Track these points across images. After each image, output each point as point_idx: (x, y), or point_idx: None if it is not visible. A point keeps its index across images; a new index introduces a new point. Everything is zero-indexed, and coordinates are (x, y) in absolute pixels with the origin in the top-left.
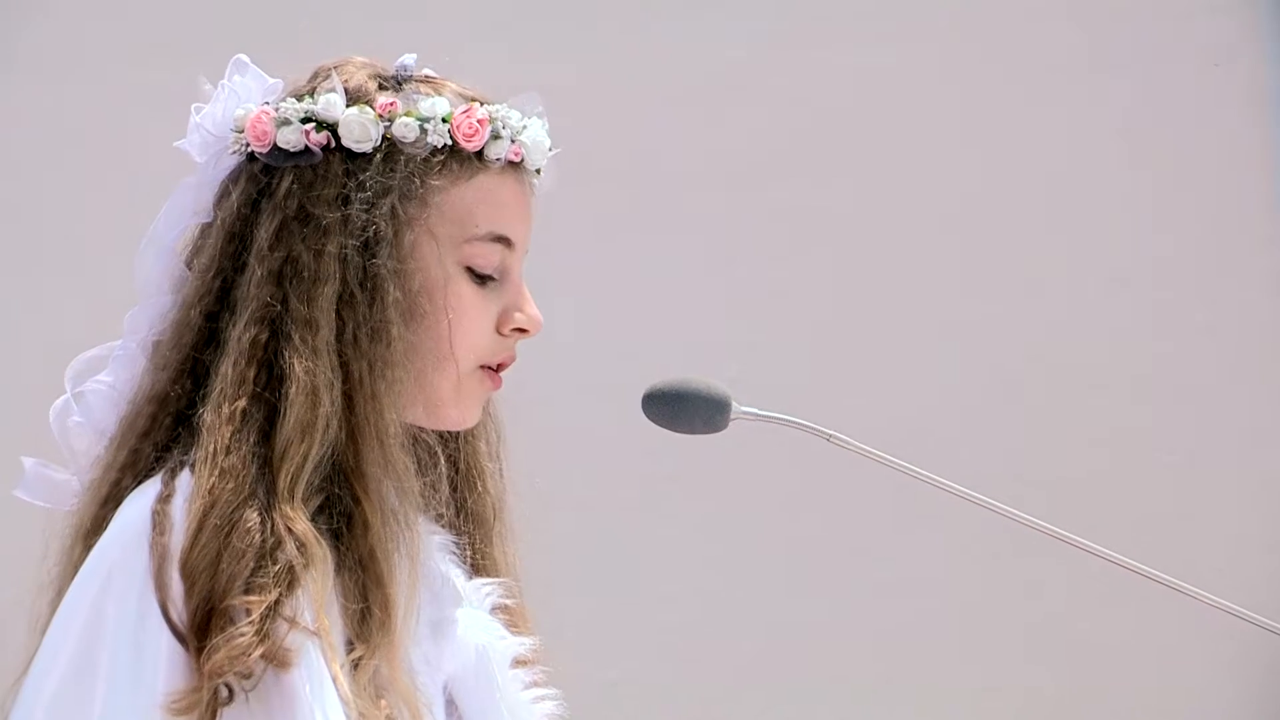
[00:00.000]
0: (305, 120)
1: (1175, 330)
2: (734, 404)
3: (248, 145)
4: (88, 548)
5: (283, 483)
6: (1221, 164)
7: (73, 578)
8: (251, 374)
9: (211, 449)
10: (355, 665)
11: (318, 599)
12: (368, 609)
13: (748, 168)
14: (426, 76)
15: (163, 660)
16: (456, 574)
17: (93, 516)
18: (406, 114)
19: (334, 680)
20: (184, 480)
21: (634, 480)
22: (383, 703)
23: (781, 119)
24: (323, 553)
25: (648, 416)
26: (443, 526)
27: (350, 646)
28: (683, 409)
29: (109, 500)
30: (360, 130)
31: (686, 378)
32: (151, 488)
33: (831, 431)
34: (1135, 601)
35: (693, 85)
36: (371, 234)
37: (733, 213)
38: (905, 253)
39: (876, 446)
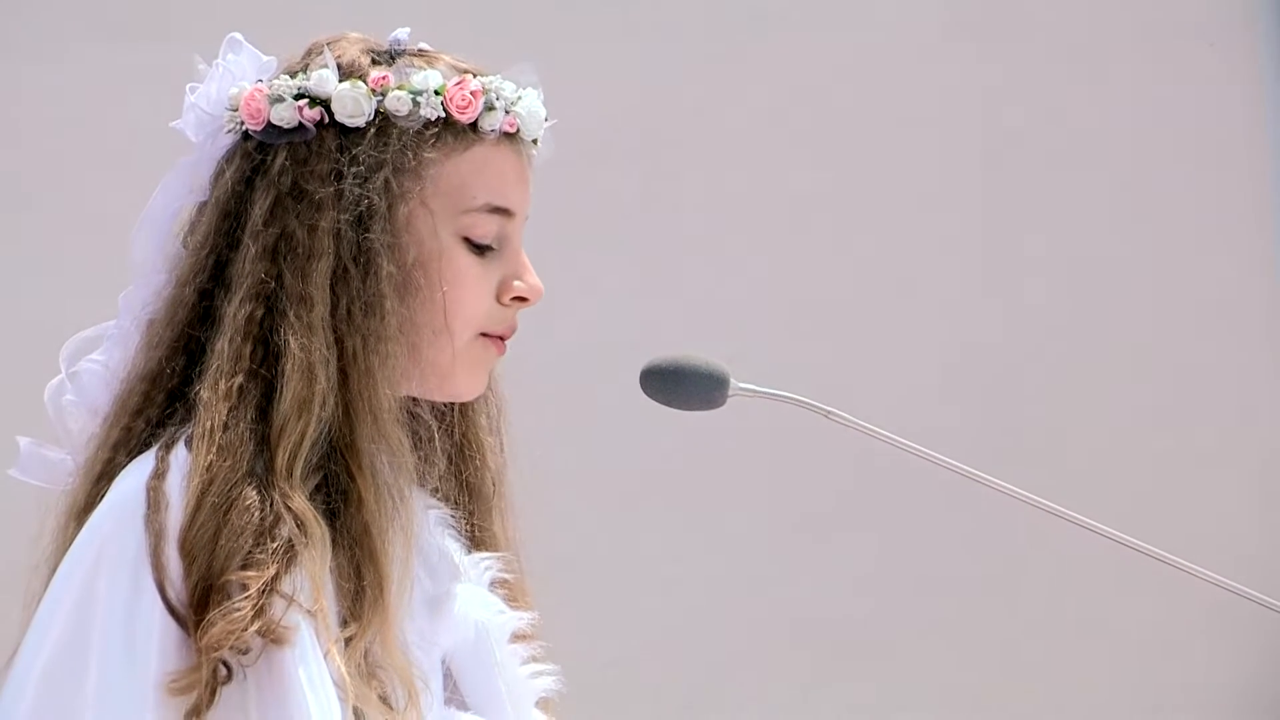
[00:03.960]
0: (298, 96)
1: (1170, 311)
2: (732, 380)
3: (242, 123)
4: (81, 525)
5: (281, 460)
6: (1216, 143)
7: None
8: (248, 350)
9: (209, 425)
10: (348, 642)
11: (315, 578)
12: (361, 586)
13: (746, 148)
14: (420, 50)
15: (155, 637)
16: (454, 548)
17: (86, 494)
18: (399, 88)
19: (326, 658)
20: (179, 456)
21: (632, 457)
22: (374, 681)
23: (780, 100)
24: (321, 532)
25: (646, 393)
26: (441, 501)
27: (344, 624)
28: (681, 385)
29: (102, 478)
30: (353, 105)
31: (685, 354)
32: (145, 463)
33: (830, 408)
34: (1133, 579)
35: (695, 67)
36: (365, 208)
37: (732, 192)
38: (903, 231)
39: (875, 423)
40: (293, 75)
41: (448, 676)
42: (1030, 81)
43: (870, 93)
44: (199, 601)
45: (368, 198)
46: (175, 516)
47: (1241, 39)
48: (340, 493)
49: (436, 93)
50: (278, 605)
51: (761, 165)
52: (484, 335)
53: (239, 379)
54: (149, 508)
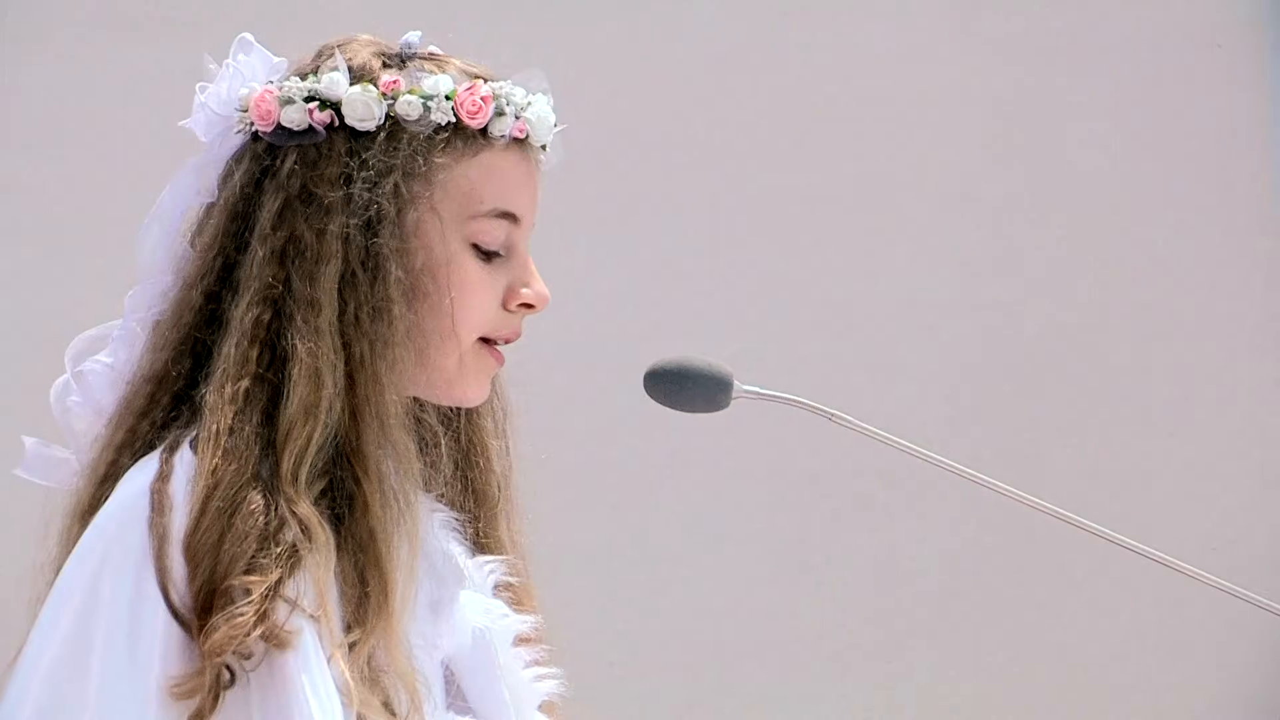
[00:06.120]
0: (309, 99)
1: (1174, 313)
2: (736, 383)
3: (252, 124)
4: (85, 526)
5: (286, 465)
6: (1221, 145)
7: None
8: (254, 354)
9: (214, 429)
10: (352, 648)
11: (319, 583)
12: (365, 592)
13: (749, 148)
14: (431, 54)
15: (158, 640)
16: (459, 551)
17: (90, 495)
18: (410, 92)
19: (330, 663)
20: (184, 458)
21: (635, 459)
22: (378, 686)
23: (785, 100)
24: (325, 536)
25: (650, 395)
26: (446, 505)
27: (347, 629)
28: (685, 387)
29: (107, 479)
30: (363, 108)
31: (689, 356)
32: (150, 465)
33: (833, 411)
34: (1136, 583)
35: (696, 66)
36: (374, 213)
37: (736, 192)
38: (907, 233)
39: (878, 426)
40: (303, 77)
41: (450, 680)
42: (1034, 86)
43: (876, 93)
44: (202, 605)
45: (377, 202)
46: (179, 519)
47: (1249, 41)
48: (346, 498)
49: (447, 98)
50: (281, 610)
51: (766, 164)
52: (483, 341)
53: (245, 383)
54: (153, 510)
